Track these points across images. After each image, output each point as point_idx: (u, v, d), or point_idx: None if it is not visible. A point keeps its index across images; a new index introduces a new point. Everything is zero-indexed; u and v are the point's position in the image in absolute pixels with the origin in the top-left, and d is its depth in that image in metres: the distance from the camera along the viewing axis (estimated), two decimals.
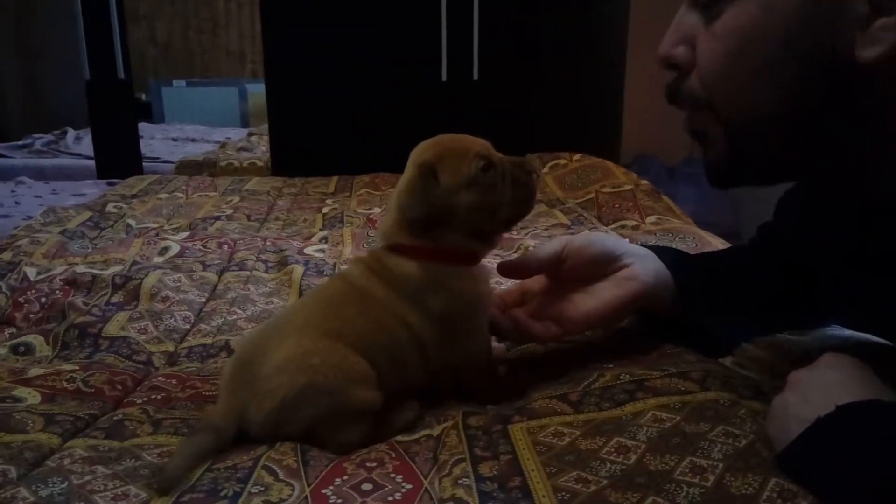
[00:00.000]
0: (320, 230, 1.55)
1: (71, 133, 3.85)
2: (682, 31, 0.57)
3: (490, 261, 1.13)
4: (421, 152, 0.67)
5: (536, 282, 0.75)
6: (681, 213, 1.58)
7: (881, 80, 0.49)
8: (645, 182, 1.76)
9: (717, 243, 1.29)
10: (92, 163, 2.82)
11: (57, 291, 1.07)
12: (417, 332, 0.65)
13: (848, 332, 0.77)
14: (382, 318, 0.65)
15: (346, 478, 0.56)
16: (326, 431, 0.62)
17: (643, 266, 0.71)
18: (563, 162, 2.02)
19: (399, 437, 0.63)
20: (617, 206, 1.64)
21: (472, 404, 0.67)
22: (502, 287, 0.85)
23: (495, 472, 0.54)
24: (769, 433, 0.51)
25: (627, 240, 1.38)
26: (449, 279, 0.65)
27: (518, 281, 0.78)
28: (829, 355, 0.53)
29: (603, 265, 0.71)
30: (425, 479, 0.55)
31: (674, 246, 1.34)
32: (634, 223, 1.52)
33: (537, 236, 1.40)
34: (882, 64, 0.47)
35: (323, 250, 1.35)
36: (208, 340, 0.93)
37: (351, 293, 0.67)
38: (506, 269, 0.73)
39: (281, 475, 0.56)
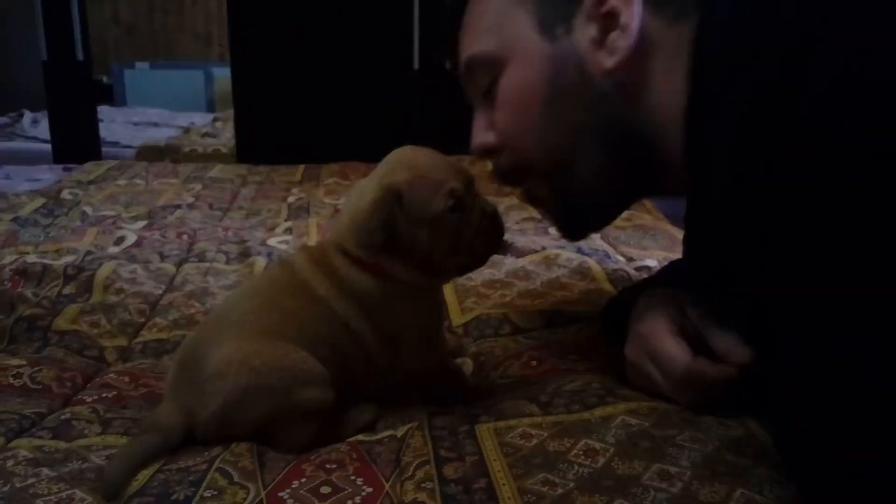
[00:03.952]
0: (285, 220, 1.51)
1: (28, 115, 3.72)
2: (483, 122, 0.65)
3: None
4: (392, 170, 0.61)
5: None
6: (652, 208, 1.57)
7: (627, 84, 0.57)
8: None
9: None
10: (48, 147, 2.72)
11: (6, 282, 1.03)
12: (362, 337, 0.63)
13: None
14: (323, 312, 0.62)
15: (304, 480, 0.54)
16: (275, 432, 0.60)
17: None
18: None
19: (361, 438, 0.61)
20: None
21: (438, 405, 0.66)
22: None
23: (460, 474, 0.53)
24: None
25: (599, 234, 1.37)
26: (397, 297, 0.63)
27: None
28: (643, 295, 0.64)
29: None
30: (387, 481, 0.54)
31: (644, 244, 1.34)
32: None
33: (509, 230, 1.38)
34: (622, 67, 0.56)
35: (287, 241, 1.31)
36: (164, 335, 0.90)
37: (291, 284, 0.63)
38: None
39: (236, 477, 0.54)
